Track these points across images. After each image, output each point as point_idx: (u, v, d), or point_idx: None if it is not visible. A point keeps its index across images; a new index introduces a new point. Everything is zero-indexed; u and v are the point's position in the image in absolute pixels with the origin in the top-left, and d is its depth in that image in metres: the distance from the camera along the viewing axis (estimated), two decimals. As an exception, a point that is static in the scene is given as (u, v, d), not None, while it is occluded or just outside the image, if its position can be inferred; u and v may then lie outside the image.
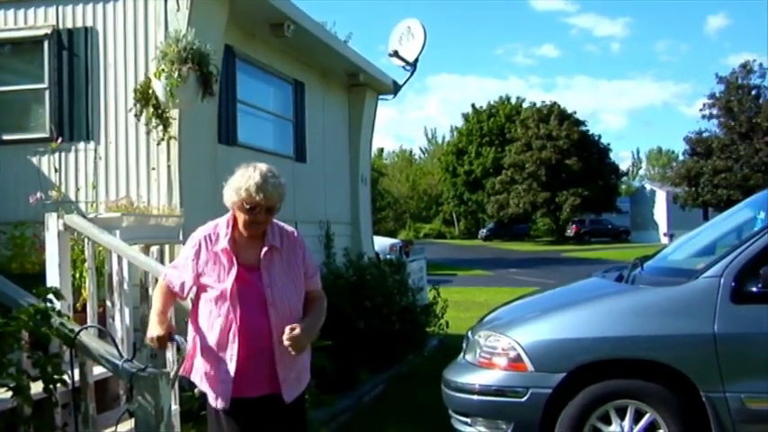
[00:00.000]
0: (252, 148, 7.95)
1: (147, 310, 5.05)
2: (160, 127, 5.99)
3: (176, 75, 5.52)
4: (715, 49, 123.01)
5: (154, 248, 5.27)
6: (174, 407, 4.14)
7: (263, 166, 3.44)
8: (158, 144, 6.09)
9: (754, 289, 4.45)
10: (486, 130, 62.83)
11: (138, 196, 6.11)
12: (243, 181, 3.36)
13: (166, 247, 5.86)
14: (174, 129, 6.04)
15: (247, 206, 3.33)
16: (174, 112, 5.99)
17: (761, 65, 49.09)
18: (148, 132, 6.13)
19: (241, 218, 3.38)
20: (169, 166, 6.11)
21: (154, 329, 3.24)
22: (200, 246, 3.41)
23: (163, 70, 5.56)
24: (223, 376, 3.28)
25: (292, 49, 8.60)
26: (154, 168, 6.20)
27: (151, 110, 5.92)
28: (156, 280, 4.81)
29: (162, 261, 5.67)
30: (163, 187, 6.13)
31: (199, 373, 3.37)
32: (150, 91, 5.84)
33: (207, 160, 6.57)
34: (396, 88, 11.16)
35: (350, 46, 11.13)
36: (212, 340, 3.31)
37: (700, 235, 6.01)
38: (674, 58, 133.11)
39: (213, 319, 3.30)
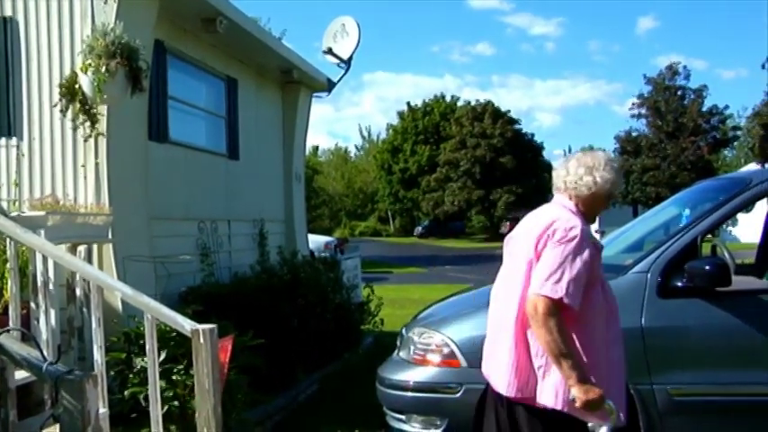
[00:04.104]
0: (183, 146, 7.82)
1: (75, 311, 4.94)
2: (87, 123, 5.84)
3: (104, 69, 5.37)
4: (645, 49, 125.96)
5: (81, 248, 5.13)
6: (103, 410, 4.03)
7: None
8: (86, 140, 5.93)
9: (679, 284, 4.55)
10: (422, 128, 63.25)
11: (64, 194, 5.93)
12: (615, 169, 3.14)
13: (95, 247, 5.71)
14: (102, 125, 5.89)
15: (611, 196, 3.19)
16: (102, 108, 5.84)
17: (685, 67, 50.76)
18: (75, 128, 5.96)
19: (599, 209, 3.20)
20: (97, 164, 5.96)
21: (589, 389, 2.89)
22: (593, 245, 3.00)
23: (90, 65, 5.41)
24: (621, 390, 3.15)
25: (225, 45, 8.49)
26: (83, 165, 6.03)
27: (78, 105, 5.76)
28: (85, 281, 4.70)
29: (90, 261, 5.53)
30: (90, 185, 5.97)
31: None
32: (76, 86, 5.69)
33: (137, 157, 6.43)
34: (330, 86, 11.11)
35: (284, 43, 11.06)
36: (614, 355, 3.09)
37: (629, 231, 6.14)
38: (607, 58, 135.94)
39: (603, 332, 3.04)
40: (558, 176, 3.22)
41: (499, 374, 3.14)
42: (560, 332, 2.88)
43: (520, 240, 3.19)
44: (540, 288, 2.91)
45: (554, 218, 3.05)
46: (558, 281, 2.89)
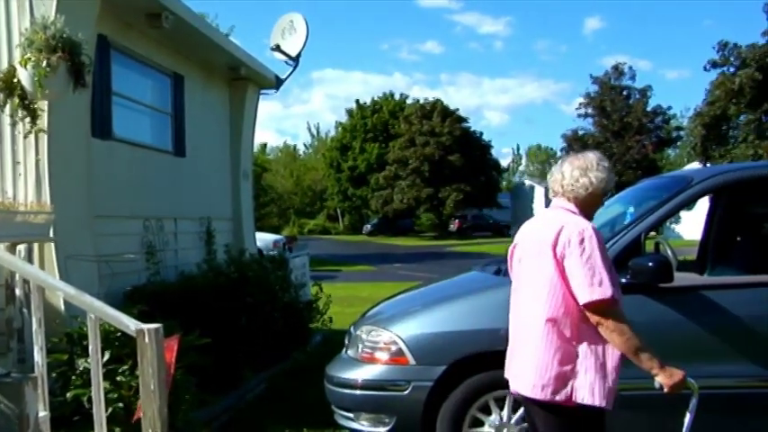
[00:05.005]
0: (128, 143, 7.69)
1: (14, 312, 4.81)
2: (27, 119, 5.67)
3: (45, 64, 5.23)
4: (591, 50, 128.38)
5: (21, 247, 5.02)
6: (43, 413, 3.94)
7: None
8: (25, 137, 5.77)
9: (623, 280, 4.60)
10: (370, 125, 63.21)
11: (2, 192, 5.77)
12: (607, 168, 3.31)
13: (35, 246, 5.58)
14: (42, 121, 5.73)
15: (605, 193, 3.36)
16: (43, 104, 5.68)
17: (630, 67, 51.68)
18: (14, 124, 5.78)
19: (596, 206, 3.37)
20: (38, 160, 5.80)
21: (673, 372, 3.12)
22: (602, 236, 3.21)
23: (29, 59, 5.26)
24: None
25: (171, 40, 8.37)
26: (18, 162, 5.87)
27: (17, 100, 5.58)
28: (25, 281, 4.58)
29: (30, 260, 5.40)
30: (31, 182, 5.81)
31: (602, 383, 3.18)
32: (15, 80, 5.51)
33: (79, 154, 6.30)
34: (278, 83, 11.04)
35: (232, 39, 10.95)
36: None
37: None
38: (554, 58, 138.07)
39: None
40: (554, 182, 3.40)
41: (523, 376, 3.28)
42: (629, 328, 3.07)
43: (530, 247, 3.35)
44: (591, 295, 3.05)
45: (562, 223, 3.20)
46: (601, 281, 3.05)
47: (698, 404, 3.32)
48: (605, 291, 3.03)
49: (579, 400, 3.14)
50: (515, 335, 3.43)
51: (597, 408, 3.16)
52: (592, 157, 3.36)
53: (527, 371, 3.25)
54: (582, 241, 3.09)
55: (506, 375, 3.51)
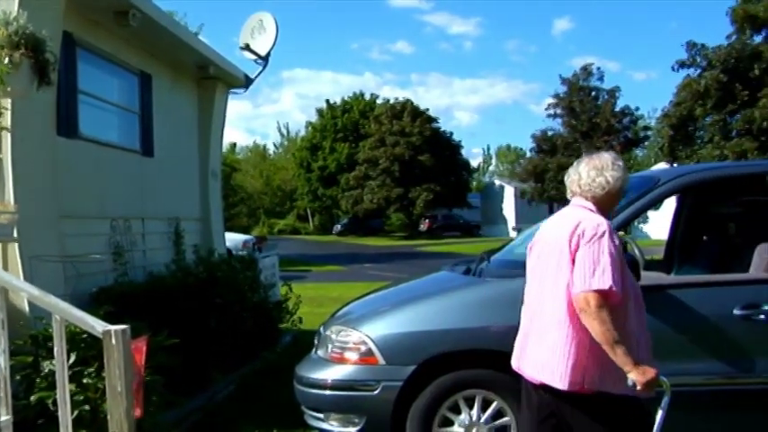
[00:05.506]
0: (95, 142, 7.60)
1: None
2: (-11, 116, 5.58)
3: (7, 61, 5.15)
4: (561, 50, 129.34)
5: (-16, 247, 4.92)
6: (6, 417, 3.86)
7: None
8: (-12, 135, 5.68)
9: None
10: (341, 125, 63.17)
11: (-36, 191, 5.67)
12: (622, 167, 3.44)
13: (-1, 246, 5.48)
14: (5, 119, 5.64)
15: (621, 191, 3.46)
16: (6, 102, 5.59)
17: (599, 68, 52.13)
18: (-25, 122, 5.69)
19: (613, 204, 3.47)
20: (0, 159, 5.71)
21: (646, 369, 3.15)
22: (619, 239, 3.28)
23: (-9, 55, 5.18)
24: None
25: (138, 39, 8.28)
26: (-16, 161, 5.77)
27: (-23, 97, 5.50)
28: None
29: (-7, 260, 5.30)
30: (-6, 182, 5.72)
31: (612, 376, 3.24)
32: (-24, 77, 5.43)
33: (44, 153, 6.19)
34: (248, 82, 10.97)
35: (201, 38, 10.86)
36: (645, 337, 3.41)
37: (543, 228, 6.23)
38: (524, 59, 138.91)
39: (626, 318, 3.27)
40: (572, 182, 3.52)
41: (543, 366, 3.36)
42: (611, 321, 3.13)
43: (549, 243, 3.45)
44: (589, 285, 3.15)
45: (579, 219, 3.32)
46: (603, 273, 3.14)
47: (669, 402, 3.37)
48: (604, 282, 3.12)
49: (596, 388, 3.25)
50: (530, 326, 3.52)
51: (617, 395, 3.25)
52: (607, 157, 3.47)
53: (547, 361, 3.34)
54: (594, 235, 3.21)
55: (516, 365, 3.62)
